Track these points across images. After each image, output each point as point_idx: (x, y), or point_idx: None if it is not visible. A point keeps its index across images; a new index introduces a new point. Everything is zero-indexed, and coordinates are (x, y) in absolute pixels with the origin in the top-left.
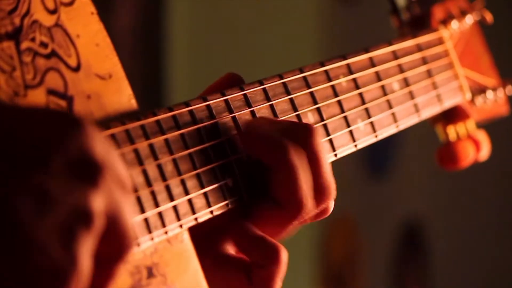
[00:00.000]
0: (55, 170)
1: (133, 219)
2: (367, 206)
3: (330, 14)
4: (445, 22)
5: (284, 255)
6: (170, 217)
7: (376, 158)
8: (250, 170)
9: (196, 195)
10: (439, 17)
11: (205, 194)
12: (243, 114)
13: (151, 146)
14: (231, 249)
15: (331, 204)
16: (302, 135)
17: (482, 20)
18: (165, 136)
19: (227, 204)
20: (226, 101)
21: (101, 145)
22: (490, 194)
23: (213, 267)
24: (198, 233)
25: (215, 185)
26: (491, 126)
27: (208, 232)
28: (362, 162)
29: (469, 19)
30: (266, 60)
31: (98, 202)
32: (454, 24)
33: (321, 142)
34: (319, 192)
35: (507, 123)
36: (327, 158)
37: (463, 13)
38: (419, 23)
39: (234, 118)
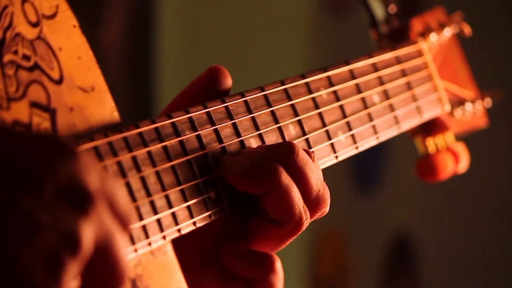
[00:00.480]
0: (46, 196)
1: (126, 253)
2: (356, 219)
3: (319, 26)
4: (424, 34)
5: (278, 264)
6: (153, 229)
7: (365, 172)
8: None
9: (179, 207)
10: (417, 29)
11: (188, 206)
12: (225, 127)
13: (134, 159)
14: (232, 265)
15: (327, 208)
16: (283, 155)
17: (461, 33)
18: (148, 149)
19: (209, 216)
20: (208, 113)
21: (95, 174)
22: (479, 207)
23: (216, 280)
24: (203, 247)
25: (198, 198)
26: (481, 138)
27: (212, 247)
28: (351, 176)
29: (448, 32)
30: (254, 71)
31: (87, 231)
32: (433, 36)
33: (304, 155)
34: (315, 202)
35: (491, 135)
36: (315, 167)
37: (441, 26)
38: (398, 36)
39: (216, 130)
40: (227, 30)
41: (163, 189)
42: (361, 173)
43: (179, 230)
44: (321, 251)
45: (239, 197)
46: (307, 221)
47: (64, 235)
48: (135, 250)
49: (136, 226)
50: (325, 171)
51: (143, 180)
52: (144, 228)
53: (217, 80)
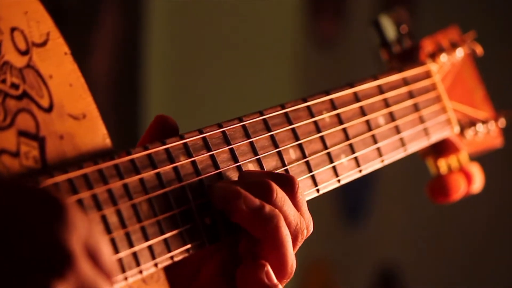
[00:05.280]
0: (21, 260)
1: None
2: (342, 252)
3: (305, 58)
4: (434, 55)
5: None
6: (145, 257)
7: (351, 204)
8: None
9: (172, 234)
10: (428, 50)
11: (181, 233)
12: (222, 152)
13: (125, 186)
14: None
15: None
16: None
17: (473, 53)
18: (140, 176)
19: (203, 243)
20: (204, 138)
21: (78, 230)
22: (467, 240)
23: None
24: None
25: (192, 224)
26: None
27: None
28: (338, 208)
29: (460, 52)
30: (241, 102)
31: None
32: (443, 57)
33: (281, 195)
34: (293, 235)
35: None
36: (296, 201)
37: (453, 46)
38: (408, 56)
39: (212, 156)
40: (215, 59)
41: (155, 215)
42: (348, 206)
43: (171, 258)
44: (307, 283)
45: (234, 224)
46: (294, 266)
47: None
48: (126, 278)
49: (127, 253)
50: (312, 204)
51: (134, 207)
52: (135, 255)
53: (166, 124)
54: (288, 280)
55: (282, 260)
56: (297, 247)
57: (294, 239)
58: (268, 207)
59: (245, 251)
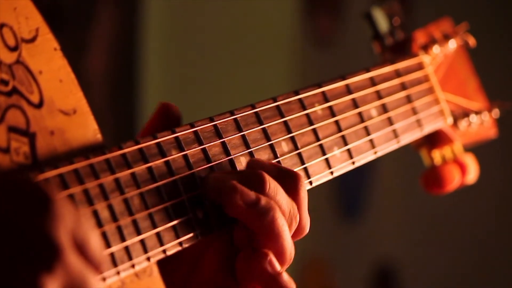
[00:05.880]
0: (10, 253)
1: None
2: (340, 249)
3: (302, 56)
4: (427, 47)
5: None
6: (137, 251)
7: (349, 201)
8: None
9: (164, 228)
10: (420, 42)
11: (173, 226)
12: (214, 146)
13: (116, 180)
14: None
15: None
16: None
17: (465, 44)
18: (131, 170)
19: (196, 236)
20: (195, 132)
21: (66, 223)
22: (465, 237)
23: None
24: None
25: (184, 218)
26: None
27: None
28: (335, 205)
29: (452, 43)
30: (238, 100)
31: (52, 285)
32: (436, 49)
33: (274, 185)
34: (297, 233)
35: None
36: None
37: (446, 37)
38: (401, 49)
39: (204, 149)
40: (212, 57)
41: (147, 209)
42: (345, 202)
43: (164, 251)
44: (305, 280)
45: (227, 217)
46: (291, 256)
47: None
48: (118, 273)
49: (118, 247)
50: (309, 201)
51: (126, 202)
52: (127, 250)
53: (170, 112)
54: (288, 266)
55: (281, 249)
56: (292, 231)
57: (289, 225)
58: (263, 200)
59: (242, 243)
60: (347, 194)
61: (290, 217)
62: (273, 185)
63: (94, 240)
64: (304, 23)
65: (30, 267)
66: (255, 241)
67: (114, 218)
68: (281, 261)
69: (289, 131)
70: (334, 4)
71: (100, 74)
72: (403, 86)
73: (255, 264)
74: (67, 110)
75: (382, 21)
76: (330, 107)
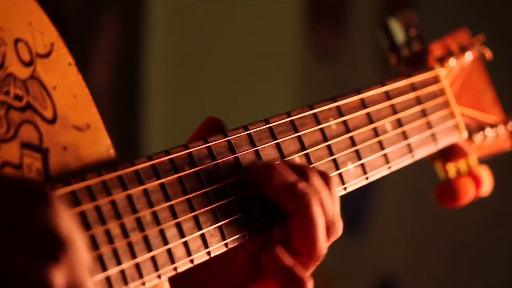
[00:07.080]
0: (17, 246)
1: None
2: (343, 261)
3: (305, 69)
4: (443, 59)
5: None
6: (148, 268)
7: (352, 214)
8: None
9: (175, 244)
10: (436, 54)
11: (185, 243)
12: (227, 158)
13: (129, 197)
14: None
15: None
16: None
17: (482, 56)
18: (144, 186)
19: (208, 253)
20: (208, 148)
21: (66, 220)
22: (467, 251)
23: None
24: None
25: (196, 233)
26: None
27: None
28: None
29: (469, 56)
30: (241, 113)
31: (58, 278)
32: (452, 61)
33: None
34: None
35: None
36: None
37: (462, 49)
38: (417, 61)
39: (216, 165)
40: (216, 70)
41: (158, 225)
42: (348, 215)
43: (175, 269)
44: None
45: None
46: (322, 256)
47: (36, 283)
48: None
49: (129, 264)
50: None
51: (138, 219)
52: (138, 267)
53: (218, 124)
54: (316, 264)
55: (312, 239)
56: (330, 242)
57: (328, 230)
58: (304, 184)
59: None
60: (350, 207)
61: (330, 221)
62: (318, 182)
63: (84, 244)
64: (307, 36)
65: (38, 260)
66: (289, 230)
67: (125, 234)
68: (310, 255)
69: (303, 146)
70: (337, 18)
71: (103, 86)
72: (419, 100)
73: (281, 259)
74: (80, 126)
75: (398, 32)
76: (344, 122)
